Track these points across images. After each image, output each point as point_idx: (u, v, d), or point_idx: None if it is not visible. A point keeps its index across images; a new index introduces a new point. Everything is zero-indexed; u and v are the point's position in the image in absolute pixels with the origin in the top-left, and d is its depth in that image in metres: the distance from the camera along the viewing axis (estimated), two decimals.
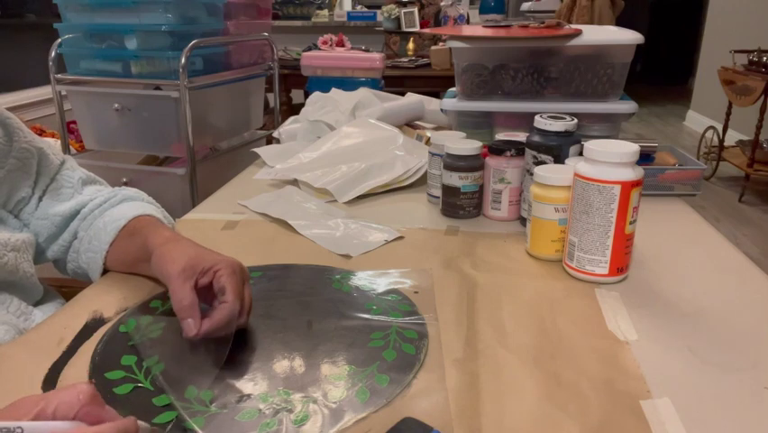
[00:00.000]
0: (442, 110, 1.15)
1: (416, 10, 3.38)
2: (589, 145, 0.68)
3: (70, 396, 0.37)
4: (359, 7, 4.36)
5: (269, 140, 1.91)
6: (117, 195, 0.79)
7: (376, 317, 0.62)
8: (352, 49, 2.66)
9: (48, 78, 1.71)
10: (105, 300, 0.67)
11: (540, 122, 0.81)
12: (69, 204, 0.77)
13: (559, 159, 0.80)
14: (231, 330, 0.55)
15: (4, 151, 0.72)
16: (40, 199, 0.76)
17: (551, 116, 0.81)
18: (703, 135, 3.80)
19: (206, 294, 0.59)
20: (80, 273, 0.78)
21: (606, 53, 1.07)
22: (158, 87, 1.64)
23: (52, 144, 0.81)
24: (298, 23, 4.20)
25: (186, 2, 1.59)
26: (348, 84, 2.05)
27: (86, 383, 0.38)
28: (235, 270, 0.59)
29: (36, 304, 0.74)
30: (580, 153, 0.76)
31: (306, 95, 2.21)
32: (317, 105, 1.35)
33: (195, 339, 0.54)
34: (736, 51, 3.36)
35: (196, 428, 0.46)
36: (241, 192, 1.03)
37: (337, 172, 1.03)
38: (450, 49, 1.24)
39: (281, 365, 0.54)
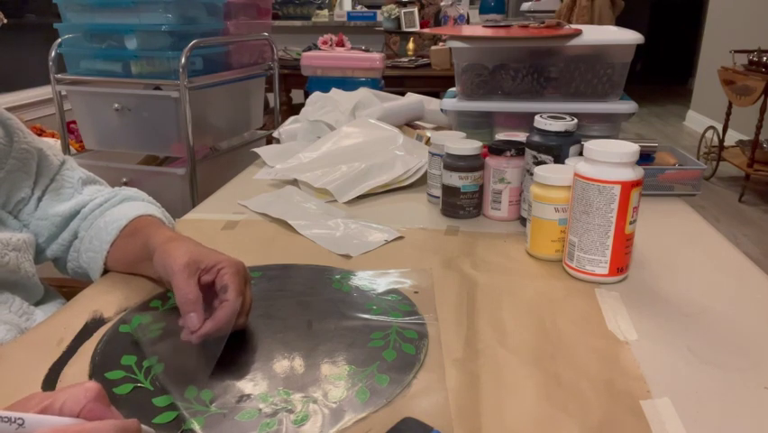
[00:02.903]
0: (442, 110, 1.15)
1: (416, 10, 3.38)
2: (589, 145, 0.68)
3: (77, 393, 0.37)
4: (359, 7, 4.36)
5: (269, 140, 1.91)
6: (118, 195, 0.79)
7: (376, 318, 0.62)
8: (352, 49, 2.66)
9: (48, 78, 1.71)
10: (105, 300, 0.67)
11: (540, 122, 0.81)
12: (69, 204, 0.77)
13: (559, 159, 0.80)
14: (227, 331, 0.55)
15: (5, 151, 0.72)
16: (39, 200, 0.76)
17: (551, 116, 0.81)
18: (703, 135, 3.80)
19: (206, 293, 0.58)
20: (80, 273, 0.78)
21: (606, 53, 1.07)
22: (158, 87, 1.64)
23: (52, 145, 0.81)
24: (298, 23, 4.20)
25: (186, 2, 1.59)
26: (348, 84, 2.05)
27: (93, 382, 0.39)
28: (239, 269, 0.59)
29: (37, 304, 0.74)
30: (580, 153, 0.76)
31: (306, 95, 2.21)
32: (317, 105, 1.35)
33: (193, 340, 0.54)
34: (736, 51, 3.36)
35: (197, 427, 0.46)
36: (241, 192, 1.03)
37: (337, 172, 1.03)
38: (450, 49, 1.24)
39: (281, 365, 0.54)
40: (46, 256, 0.78)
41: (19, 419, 0.33)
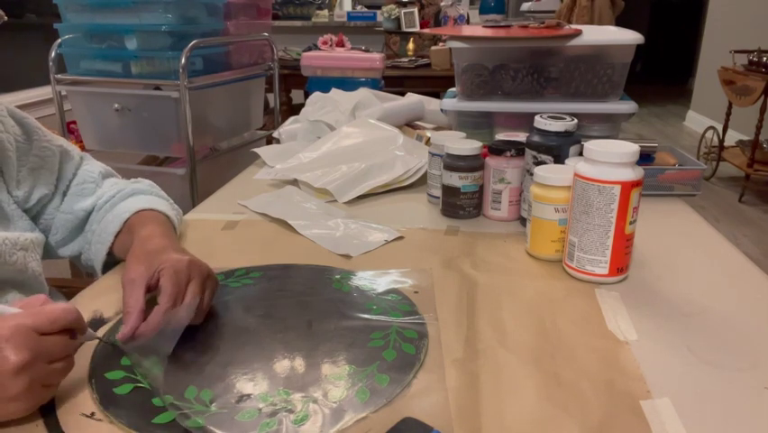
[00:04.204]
0: (442, 110, 1.15)
1: (416, 10, 3.38)
2: (589, 145, 0.68)
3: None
4: (359, 7, 4.36)
5: (269, 140, 1.91)
6: (127, 188, 0.81)
7: (376, 317, 0.62)
8: (352, 49, 2.66)
9: (48, 78, 1.71)
10: (105, 300, 0.67)
11: (540, 122, 0.81)
12: (92, 198, 0.80)
13: (559, 159, 0.80)
14: (178, 328, 0.56)
15: (24, 149, 0.74)
16: (64, 194, 0.79)
17: (551, 116, 0.81)
18: (703, 135, 3.80)
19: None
20: (89, 265, 0.80)
21: (606, 53, 1.07)
22: (158, 87, 1.64)
23: (70, 142, 0.84)
24: (298, 23, 4.20)
25: (186, 2, 1.59)
26: (348, 84, 2.05)
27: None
28: (177, 270, 0.59)
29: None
30: (580, 153, 0.76)
31: (306, 95, 2.21)
32: (317, 105, 1.35)
33: (129, 341, 0.55)
34: (736, 51, 3.36)
35: (197, 427, 0.46)
36: (241, 192, 1.03)
37: (337, 172, 1.03)
38: (450, 49, 1.24)
39: (281, 365, 0.54)
40: (72, 250, 0.80)
41: None
